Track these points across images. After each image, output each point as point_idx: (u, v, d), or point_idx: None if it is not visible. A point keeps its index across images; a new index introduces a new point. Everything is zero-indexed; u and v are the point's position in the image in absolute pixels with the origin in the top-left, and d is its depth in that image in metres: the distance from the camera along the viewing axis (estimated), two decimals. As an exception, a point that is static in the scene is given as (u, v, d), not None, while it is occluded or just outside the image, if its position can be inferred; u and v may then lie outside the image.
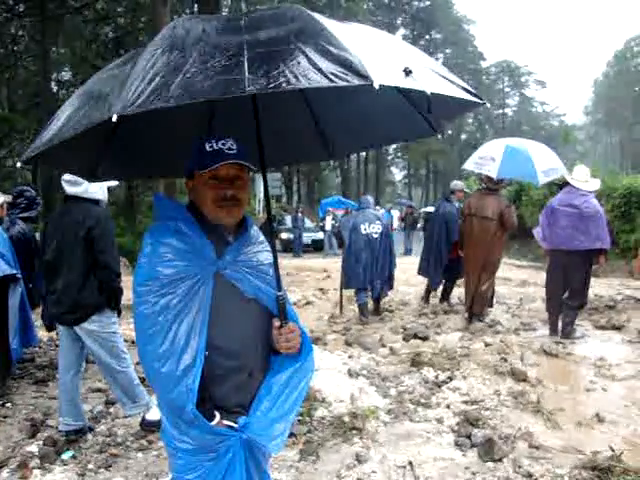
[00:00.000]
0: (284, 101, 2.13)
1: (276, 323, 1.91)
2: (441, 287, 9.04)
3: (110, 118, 1.36)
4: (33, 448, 3.92)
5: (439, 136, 2.43)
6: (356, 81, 1.39)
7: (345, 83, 1.39)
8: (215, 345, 1.81)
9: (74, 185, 3.93)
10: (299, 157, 3.26)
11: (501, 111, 71.13)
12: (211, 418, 1.79)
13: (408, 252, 21.25)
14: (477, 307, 7.50)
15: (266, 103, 1.98)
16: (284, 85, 1.38)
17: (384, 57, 1.62)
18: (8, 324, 4.74)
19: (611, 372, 5.41)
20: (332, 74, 1.40)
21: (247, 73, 1.39)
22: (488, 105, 1.99)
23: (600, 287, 10.05)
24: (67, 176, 3.92)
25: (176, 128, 2.21)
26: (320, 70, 1.40)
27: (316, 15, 1.64)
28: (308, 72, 1.40)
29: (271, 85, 1.38)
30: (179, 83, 1.38)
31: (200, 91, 1.37)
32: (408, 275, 12.13)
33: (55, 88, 23.49)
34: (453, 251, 8.39)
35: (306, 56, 1.44)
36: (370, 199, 9.01)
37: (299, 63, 1.43)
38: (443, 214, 8.79)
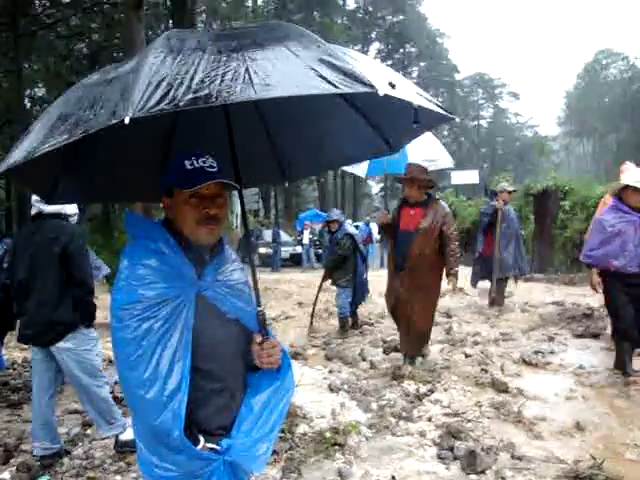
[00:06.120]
0: (241, 123, 2.07)
1: (258, 338, 1.88)
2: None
3: (122, 120, 1.30)
4: (6, 475, 3.80)
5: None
6: (362, 89, 1.43)
7: (352, 91, 1.44)
8: (197, 367, 1.75)
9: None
10: (254, 180, 3.18)
11: (476, 123, 72.01)
12: (196, 442, 1.74)
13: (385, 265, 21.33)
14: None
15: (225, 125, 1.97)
16: (295, 91, 1.41)
17: (372, 71, 1.62)
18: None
19: (590, 380, 5.45)
20: (339, 82, 1.42)
21: (255, 79, 1.39)
22: (457, 120, 2.02)
23: (577, 295, 10.15)
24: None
25: (133, 151, 2.10)
26: (325, 79, 1.42)
27: (306, 31, 1.66)
28: (315, 81, 1.42)
29: (282, 92, 1.39)
30: (187, 88, 1.37)
31: (210, 96, 1.35)
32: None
33: (28, 104, 23.18)
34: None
35: (309, 66, 1.46)
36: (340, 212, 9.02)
37: (304, 72, 1.44)
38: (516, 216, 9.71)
